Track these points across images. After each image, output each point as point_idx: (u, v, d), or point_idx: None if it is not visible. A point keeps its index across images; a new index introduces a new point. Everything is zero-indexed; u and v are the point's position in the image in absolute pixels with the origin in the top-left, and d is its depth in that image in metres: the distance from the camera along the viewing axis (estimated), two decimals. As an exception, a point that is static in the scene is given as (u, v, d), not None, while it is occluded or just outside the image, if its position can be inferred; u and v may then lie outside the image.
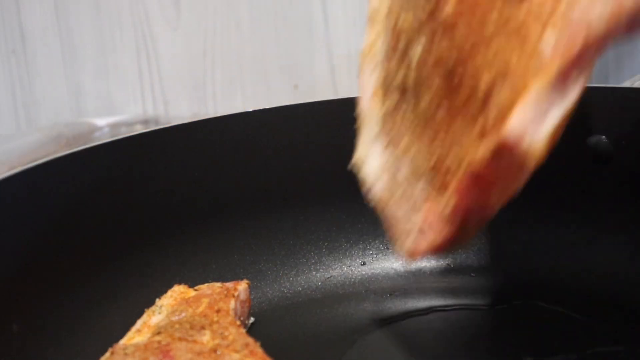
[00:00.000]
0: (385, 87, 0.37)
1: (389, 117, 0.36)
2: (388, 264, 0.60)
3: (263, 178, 0.61)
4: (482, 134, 0.31)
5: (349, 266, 0.61)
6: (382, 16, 0.38)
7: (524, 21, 0.31)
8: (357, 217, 0.61)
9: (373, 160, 0.37)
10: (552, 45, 0.29)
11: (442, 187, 0.33)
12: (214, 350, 0.40)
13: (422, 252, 0.34)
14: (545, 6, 0.30)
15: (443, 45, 0.34)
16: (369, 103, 0.38)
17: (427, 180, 0.34)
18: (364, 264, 0.61)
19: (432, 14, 0.35)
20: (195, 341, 0.41)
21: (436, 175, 0.34)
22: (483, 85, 0.32)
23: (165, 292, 0.51)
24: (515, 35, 0.31)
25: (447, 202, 0.32)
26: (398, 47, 0.37)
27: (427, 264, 0.60)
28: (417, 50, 0.36)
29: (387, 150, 0.36)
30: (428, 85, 0.35)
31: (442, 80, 0.34)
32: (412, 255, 0.34)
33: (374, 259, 0.61)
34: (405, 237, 0.35)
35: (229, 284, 0.51)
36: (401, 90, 0.37)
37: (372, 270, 0.60)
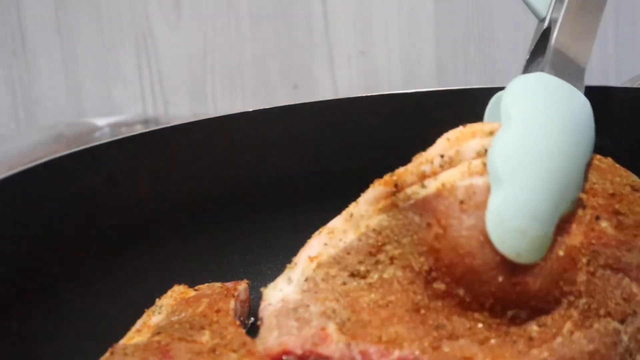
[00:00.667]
0: (333, 261, 0.42)
1: (320, 279, 0.42)
2: (388, 264, 0.60)
3: (263, 178, 0.61)
4: (434, 348, 0.38)
5: (349, 266, 0.60)
6: (368, 224, 0.42)
7: (518, 334, 0.38)
8: (357, 217, 0.61)
9: (280, 290, 0.42)
10: None
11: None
12: (212, 350, 0.40)
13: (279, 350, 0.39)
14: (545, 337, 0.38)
15: (420, 291, 0.40)
16: (306, 259, 0.43)
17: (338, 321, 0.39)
18: (364, 264, 0.60)
19: (424, 273, 0.40)
20: (194, 341, 0.41)
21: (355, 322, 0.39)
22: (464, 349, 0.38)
23: (165, 292, 0.51)
24: (508, 339, 0.38)
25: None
26: (374, 254, 0.41)
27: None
28: (395, 273, 0.41)
29: (302, 293, 0.41)
30: (387, 295, 0.40)
31: (407, 301, 0.40)
32: (270, 347, 0.39)
33: (374, 259, 0.61)
34: (280, 325, 0.40)
35: (229, 284, 0.51)
36: (350, 274, 0.41)
37: (372, 270, 0.60)
